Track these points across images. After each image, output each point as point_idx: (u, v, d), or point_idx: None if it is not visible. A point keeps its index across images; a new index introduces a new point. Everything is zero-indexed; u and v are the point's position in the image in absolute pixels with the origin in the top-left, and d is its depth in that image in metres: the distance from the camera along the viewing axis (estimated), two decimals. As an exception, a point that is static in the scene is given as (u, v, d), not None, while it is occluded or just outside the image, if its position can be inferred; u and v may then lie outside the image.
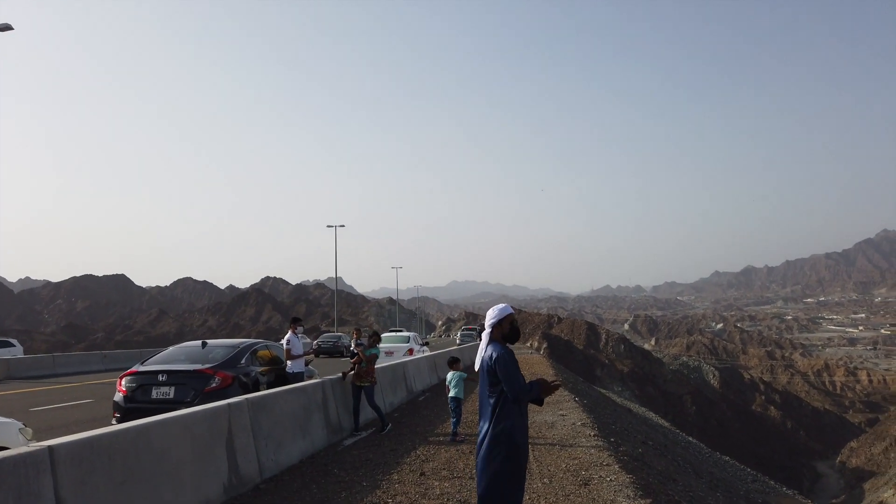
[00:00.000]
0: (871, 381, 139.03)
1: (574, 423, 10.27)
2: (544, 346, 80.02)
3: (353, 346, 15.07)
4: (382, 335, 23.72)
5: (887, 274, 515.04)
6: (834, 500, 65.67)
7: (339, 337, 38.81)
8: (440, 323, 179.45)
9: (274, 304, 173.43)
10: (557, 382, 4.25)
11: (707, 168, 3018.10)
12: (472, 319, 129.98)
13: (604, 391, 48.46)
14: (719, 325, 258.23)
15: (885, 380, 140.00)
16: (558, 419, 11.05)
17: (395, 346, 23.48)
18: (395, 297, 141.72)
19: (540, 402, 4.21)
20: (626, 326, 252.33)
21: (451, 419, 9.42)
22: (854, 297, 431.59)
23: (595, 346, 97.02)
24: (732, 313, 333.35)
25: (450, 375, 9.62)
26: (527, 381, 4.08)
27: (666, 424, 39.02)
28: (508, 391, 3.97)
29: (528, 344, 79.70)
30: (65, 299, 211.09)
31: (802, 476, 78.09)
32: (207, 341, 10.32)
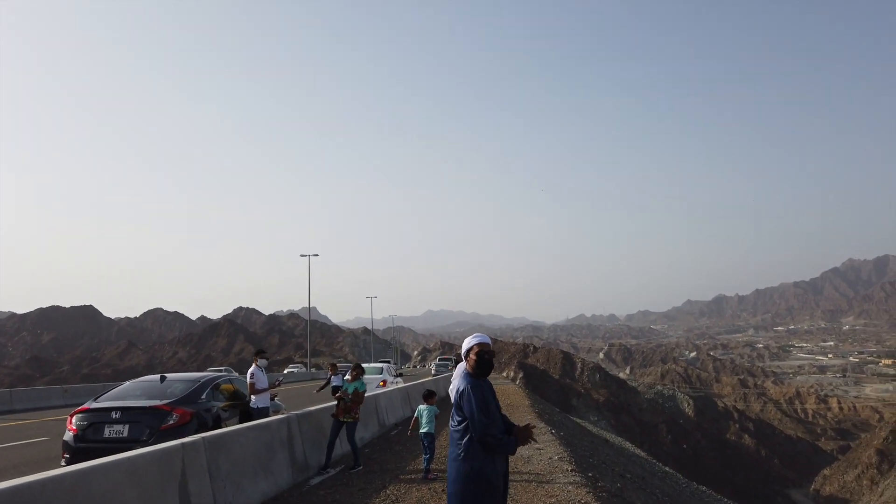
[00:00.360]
0: (841, 409, 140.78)
1: (551, 458, 9.89)
2: (520, 375, 79.56)
3: (331, 381, 14.66)
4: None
5: (853, 302, 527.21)
6: (809, 529, 65.48)
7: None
8: (416, 353, 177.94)
9: (246, 334, 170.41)
10: (532, 426, 3.86)
11: (679, 199, 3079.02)
12: (448, 349, 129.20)
13: (580, 421, 48.08)
14: (693, 354, 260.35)
15: (855, 407, 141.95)
16: (534, 453, 10.65)
17: (367, 378, 23.02)
18: (370, 328, 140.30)
19: (512, 453, 3.78)
20: (601, 355, 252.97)
21: (424, 455, 9.00)
22: (822, 325, 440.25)
23: (571, 376, 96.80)
24: (705, 342, 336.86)
25: (420, 409, 9.22)
26: (505, 429, 3.75)
27: (642, 454, 38.70)
28: (472, 431, 3.64)
29: (504, 374, 79.19)
30: (30, 331, 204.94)
31: (777, 504, 78.16)
32: (167, 375, 9.72)
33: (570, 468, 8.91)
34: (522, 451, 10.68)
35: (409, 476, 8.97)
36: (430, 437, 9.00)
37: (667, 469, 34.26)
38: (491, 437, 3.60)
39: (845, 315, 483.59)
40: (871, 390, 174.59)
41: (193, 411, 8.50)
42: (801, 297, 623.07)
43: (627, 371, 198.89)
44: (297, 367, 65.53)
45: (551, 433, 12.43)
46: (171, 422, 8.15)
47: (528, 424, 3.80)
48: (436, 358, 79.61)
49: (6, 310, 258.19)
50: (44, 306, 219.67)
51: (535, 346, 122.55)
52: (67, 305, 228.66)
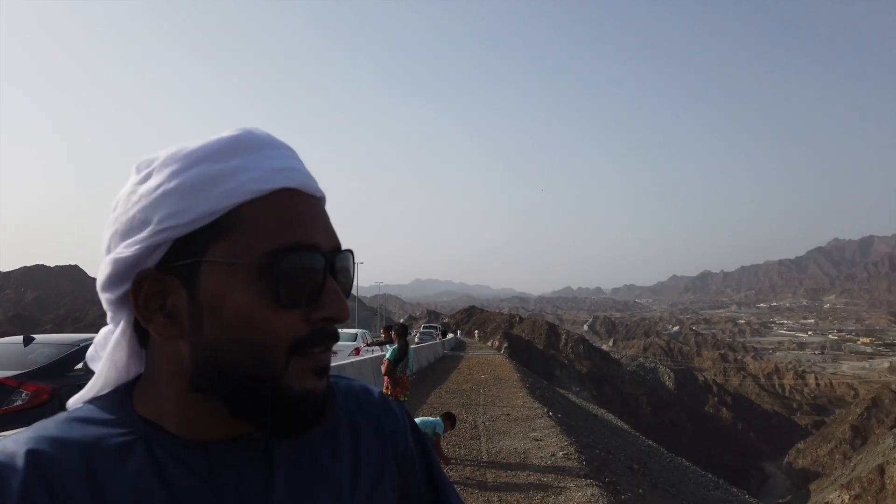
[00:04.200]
0: (818, 385, 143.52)
1: (554, 453, 8.41)
2: (505, 345, 79.78)
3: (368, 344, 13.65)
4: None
5: (836, 281, 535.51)
6: (780, 501, 67.32)
7: None
8: (402, 321, 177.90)
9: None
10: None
11: (666, 176, 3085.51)
12: (435, 318, 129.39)
13: (564, 392, 48.43)
14: (675, 328, 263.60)
15: (831, 383, 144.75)
16: (532, 446, 9.00)
17: (338, 345, 22.09)
18: (355, 294, 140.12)
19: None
20: (586, 327, 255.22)
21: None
22: (804, 303, 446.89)
23: (555, 347, 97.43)
24: (688, 316, 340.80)
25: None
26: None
27: (625, 427, 39.10)
28: None
29: (490, 343, 79.27)
30: (13, 289, 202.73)
31: (751, 476, 79.94)
32: (34, 336, 7.10)
33: (580, 468, 7.65)
34: (517, 441, 9.40)
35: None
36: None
37: (650, 443, 34.70)
38: None
39: (827, 294, 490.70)
40: (848, 367, 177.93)
41: (55, 387, 5.79)
42: (786, 275, 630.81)
43: (611, 343, 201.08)
44: None
45: (549, 416, 11.72)
46: (19, 402, 5.57)
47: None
48: (421, 326, 79.07)
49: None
50: (29, 265, 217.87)
51: (520, 317, 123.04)
52: (53, 265, 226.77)
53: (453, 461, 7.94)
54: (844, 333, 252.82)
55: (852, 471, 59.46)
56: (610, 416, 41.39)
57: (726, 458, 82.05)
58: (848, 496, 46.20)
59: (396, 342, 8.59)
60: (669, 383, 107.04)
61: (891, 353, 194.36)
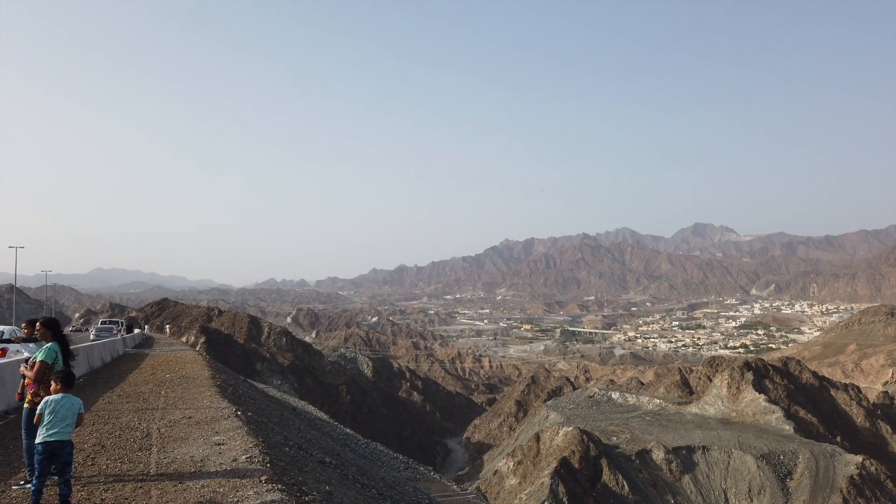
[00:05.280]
0: (491, 367, 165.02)
1: (236, 458, 7.48)
2: (202, 340, 74.61)
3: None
4: None
5: (507, 276, 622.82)
6: (460, 472, 74.74)
7: None
8: (77, 315, 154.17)
9: None
10: None
11: (373, 180, 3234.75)
12: (120, 311, 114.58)
13: (263, 386, 46.81)
14: (374, 319, 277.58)
15: (501, 365, 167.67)
16: (212, 452, 7.89)
17: None
18: (15, 284, 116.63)
19: None
20: (289, 319, 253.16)
21: (32, 479, 5.95)
22: (482, 295, 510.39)
23: (256, 340, 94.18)
24: (386, 307, 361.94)
25: (49, 400, 6.04)
26: None
27: (325, 417, 39.32)
28: None
29: (185, 339, 73.28)
30: None
31: (436, 453, 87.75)
32: None
33: (262, 471, 6.80)
34: (194, 448, 8.03)
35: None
36: (53, 448, 5.81)
37: (348, 431, 35.41)
38: None
39: (500, 287, 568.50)
40: (514, 351, 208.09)
41: None
42: (468, 270, 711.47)
43: (314, 335, 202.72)
44: None
45: (237, 416, 10.56)
46: None
47: None
48: (99, 321, 68.72)
49: None
50: None
51: (220, 310, 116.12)
52: None
53: (111, 479, 6.48)
54: (512, 321, 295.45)
55: (516, 440, 69.29)
56: (310, 408, 41.22)
57: (416, 438, 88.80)
58: (512, 462, 53.34)
59: (49, 340, 6.84)
60: (368, 371, 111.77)
61: (545, 338, 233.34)
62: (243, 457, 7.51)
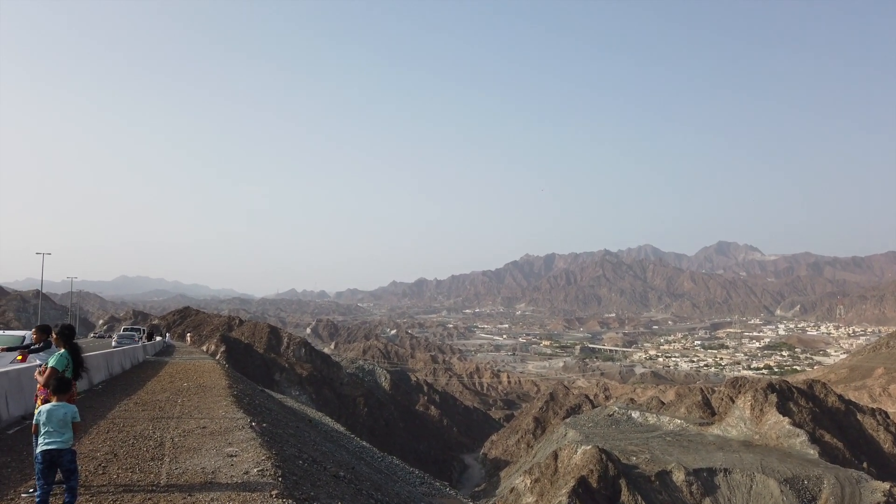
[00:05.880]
0: (510, 382, 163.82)
1: (248, 470, 7.31)
2: (222, 349, 75.07)
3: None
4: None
5: (526, 291, 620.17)
6: (476, 489, 74.07)
7: None
8: (101, 322, 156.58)
9: None
10: None
11: (390, 194, 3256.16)
12: (143, 319, 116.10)
13: (281, 397, 46.90)
14: (393, 331, 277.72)
15: (520, 381, 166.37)
16: (224, 463, 7.70)
17: None
18: (42, 290, 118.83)
19: None
20: (309, 330, 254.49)
21: (39, 487, 5.80)
22: (501, 310, 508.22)
23: (276, 350, 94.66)
24: (405, 320, 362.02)
25: (43, 409, 5.95)
26: None
27: (341, 429, 39.19)
28: None
29: (205, 347, 73.85)
30: None
31: (452, 468, 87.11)
32: None
33: (273, 485, 6.58)
34: (207, 460, 7.78)
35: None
36: (53, 457, 5.71)
37: (364, 444, 35.25)
38: None
39: (519, 302, 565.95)
40: (533, 366, 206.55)
41: None
42: (487, 285, 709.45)
43: (333, 346, 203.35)
44: None
45: (251, 427, 10.47)
46: None
47: None
48: (122, 328, 69.52)
49: None
50: None
51: (241, 319, 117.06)
52: None
53: (121, 489, 6.40)
54: (531, 337, 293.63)
55: (533, 457, 68.44)
56: (327, 420, 41.17)
57: (433, 453, 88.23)
58: (529, 480, 52.63)
59: (61, 347, 6.80)
60: (385, 384, 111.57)
61: (565, 354, 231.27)
62: (255, 469, 7.37)
